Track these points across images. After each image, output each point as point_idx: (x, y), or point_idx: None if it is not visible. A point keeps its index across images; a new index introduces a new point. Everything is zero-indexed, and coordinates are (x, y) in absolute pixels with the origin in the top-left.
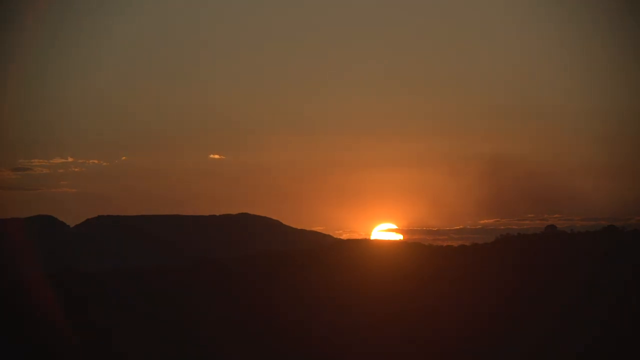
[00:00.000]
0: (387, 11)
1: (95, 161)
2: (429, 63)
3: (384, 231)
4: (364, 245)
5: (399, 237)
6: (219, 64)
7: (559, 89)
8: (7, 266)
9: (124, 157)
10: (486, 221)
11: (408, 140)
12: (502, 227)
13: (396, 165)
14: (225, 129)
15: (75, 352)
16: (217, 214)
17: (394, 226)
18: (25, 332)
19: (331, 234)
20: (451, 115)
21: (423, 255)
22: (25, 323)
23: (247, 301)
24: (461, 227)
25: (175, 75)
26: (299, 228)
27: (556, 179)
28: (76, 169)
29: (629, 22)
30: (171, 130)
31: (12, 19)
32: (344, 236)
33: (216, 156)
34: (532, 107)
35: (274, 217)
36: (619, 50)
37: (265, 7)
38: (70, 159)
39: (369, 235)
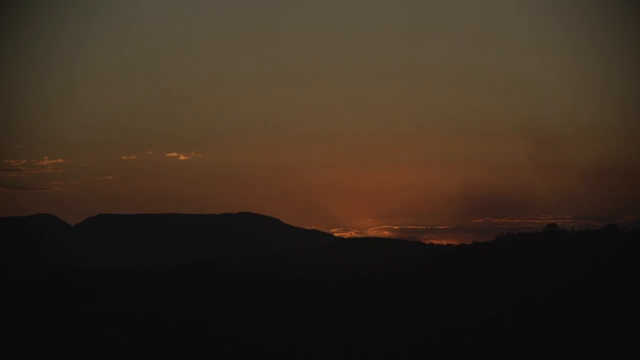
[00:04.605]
0: (392, 11)
1: (96, 161)
2: (426, 64)
3: (382, 230)
4: (365, 244)
5: (395, 235)
6: (219, 64)
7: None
8: (8, 265)
9: (123, 157)
10: (477, 220)
11: (406, 140)
12: (497, 227)
13: (394, 165)
14: (225, 129)
15: (76, 350)
16: (217, 214)
17: (391, 225)
18: (26, 331)
19: (329, 232)
20: (450, 116)
21: (424, 254)
22: (26, 322)
23: (247, 300)
24: (454, 225)
25: (175, 76)
26: (297, 226)
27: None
28: (77, 169)
29: None
30: (170, 130)
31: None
32: (340, 234)
33: (214, 156)
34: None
35: (273, 216)
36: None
37: (265, 8)
38: (71, 159)
39: (367, 233)
